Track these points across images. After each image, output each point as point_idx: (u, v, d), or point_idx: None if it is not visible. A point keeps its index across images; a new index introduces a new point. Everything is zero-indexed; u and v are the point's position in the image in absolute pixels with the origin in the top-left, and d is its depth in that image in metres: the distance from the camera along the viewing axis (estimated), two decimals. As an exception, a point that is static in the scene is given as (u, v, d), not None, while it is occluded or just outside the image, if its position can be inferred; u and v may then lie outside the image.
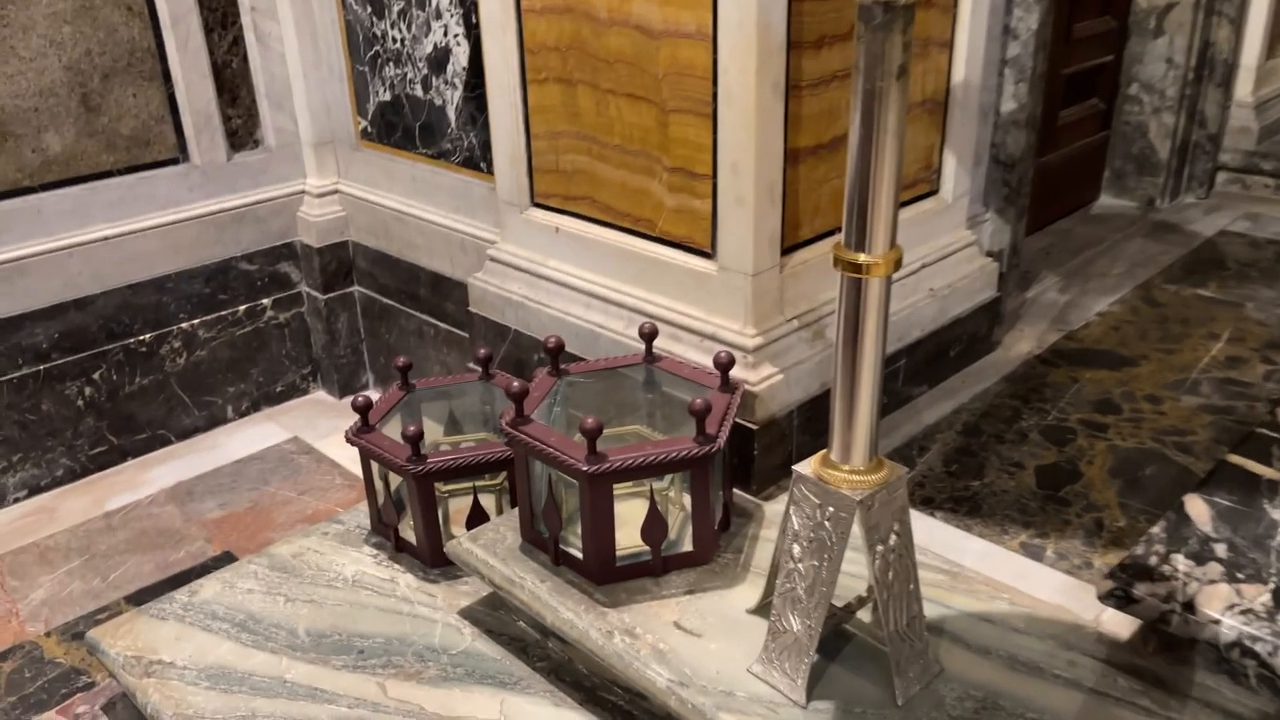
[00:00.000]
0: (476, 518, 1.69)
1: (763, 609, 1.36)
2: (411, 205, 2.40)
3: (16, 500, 2.31)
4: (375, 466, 1.72)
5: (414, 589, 1.67)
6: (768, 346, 1.64)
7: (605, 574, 1.44)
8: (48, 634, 1.87)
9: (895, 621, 1.23)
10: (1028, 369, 2.09)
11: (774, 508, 1.62)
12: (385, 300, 2.61)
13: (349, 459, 2.42)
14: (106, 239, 2.31)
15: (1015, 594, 1.42)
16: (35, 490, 2.34)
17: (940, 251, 1.98)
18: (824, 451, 1.21)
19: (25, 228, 2.19)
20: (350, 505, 2.04)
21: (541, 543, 1.51)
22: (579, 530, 1.47)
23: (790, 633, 1.24)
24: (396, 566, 1.72)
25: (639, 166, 1.71)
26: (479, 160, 2.16)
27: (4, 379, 2.22)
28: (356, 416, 1.71)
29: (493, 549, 1.54)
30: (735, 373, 1.58)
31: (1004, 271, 2.16)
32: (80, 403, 2.36)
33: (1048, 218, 2.94)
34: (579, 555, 1.46)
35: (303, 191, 2.62)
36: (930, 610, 1.36)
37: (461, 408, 1.95)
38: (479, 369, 1.88)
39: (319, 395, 2.81)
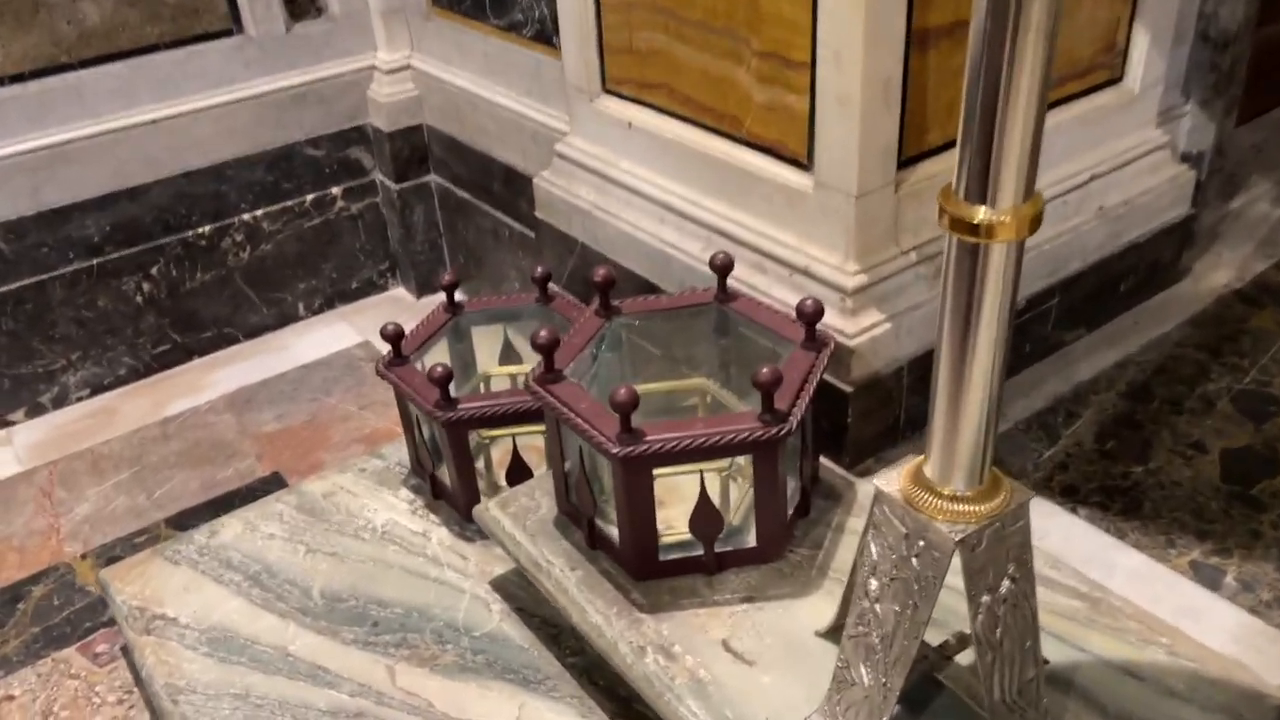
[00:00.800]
0: (517, 471, 1.47)
1: (836, 634, 1.09)
2: (483, 86, 2.13)
3: (79, 399, 2.25)
4: (410, 405, 1.51)
5: (445, 548, 1.48)
6: (874, 287, 1.32)
7: (646, 569, 1.20)
8: (83, 556, 1.79)
9: (1002, 689, 0.94)
10: (1222, 309, 1.67)
11: (866, 488, 1.33)
12: (461, 193, 2.37)
13: (417, 369, 2.24)
14: (155, 122, 2.14)
15: (1177, 638, 1.10)
16: (98, 390, 2.27)
17: (1118, 158, 1.57)
18: (918, 461, 0.91)
19: (66, 109, 2.04)
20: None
21: (576, 518, 1.28)
22: (611, 508, 1.23)
23: (859, 686, 0.97)
24: (432, 518, 1.54)
25: (723, 49, 1.38)
26: (551, 32, 1.85)
27: (55, 274, 2.12)
28: (389, 330, 1.49)
29: (522, 520, 1.32)
30: (828, 321, 1.28)
31: (1201, 180, 1.72)
32: (139, 299, 2.25)
33: (1264, 105, 2.39)
34: (617, 542, 1.22)
35: (372, 68, 2.38)
36: (1056, 652, 1.07)
37: (518, 332, 1.71)
38: (537, 290, 1.63)
39: (397, 293, 2.64)
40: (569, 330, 1.32)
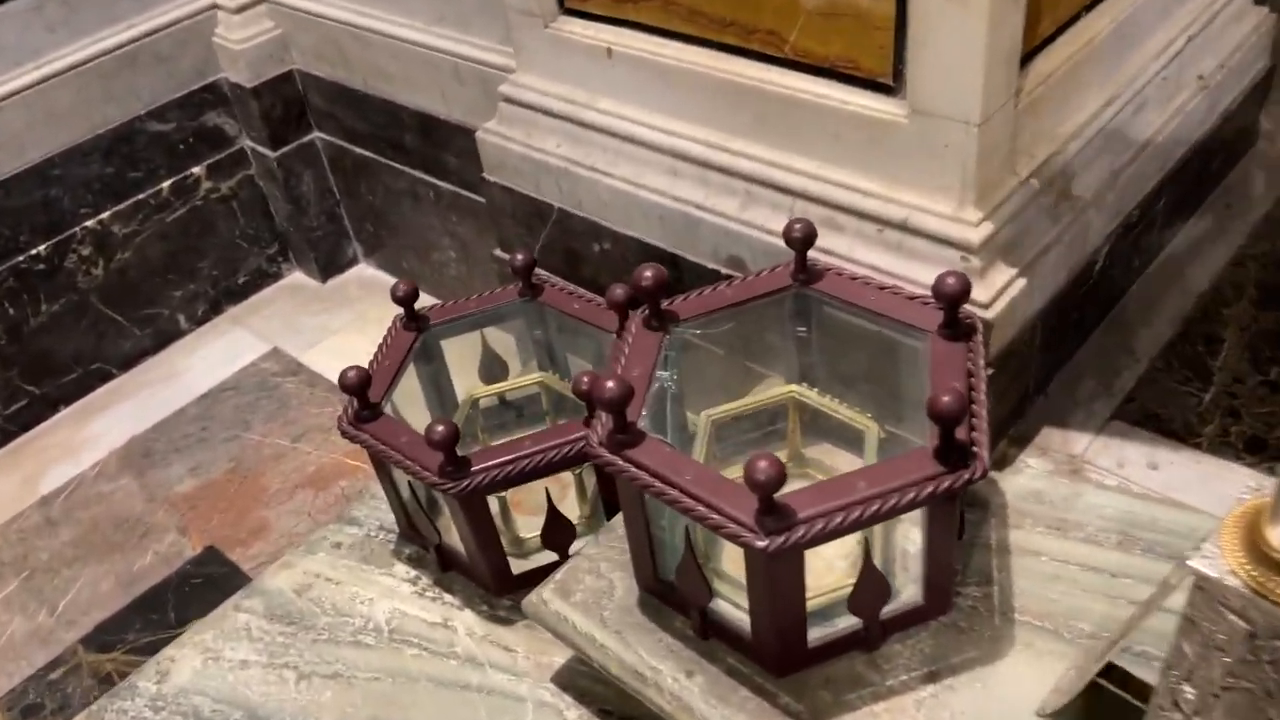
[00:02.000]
0: (555, 531, 1.17)
1: (1068, 710, 0.86)
2: (372, 15, 1.71)
3: (-76, 490, 1.82)
4: (396, 470, 1.18)
5: (479, 639, 1.18)
6: (999, 235, 1.04)
7: (791, 661, 0.93)
8: (-14, 714, 1.43)
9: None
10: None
11: (1015, 482, 1.09)
12: (359, 151, 1.96)
13: (349, 376, 1.88)
14: (-58, 123, 1.66)
15: None
16: (-54, 473, 1.84)
17: (1206, 10, 1.31)
18: (1252, 518, 0.66)
19: None
20: (363, 456, 1.51)
21: (672, 599, 0.99)
22: (730, 585, 0.96)
23: (1170, 817, 0.73)
24: (447, 599, 1.23)
25: (747, -63, 1.04)
26: (464, -61, 1.46)
27: None
28: (350, 378, 1.14)
29: (597, 610, 1.03)
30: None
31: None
32: (-27, 351, 1.80)
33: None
34: (742, 629, 0.95)
35: (214, 6, 1.91)
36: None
37: (500, 339, 1.38)
38: (517, 281, 1.30)
39: (296, 279, 2.23)
40: (616, 354, 1.01)
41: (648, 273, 0.98)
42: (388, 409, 1.21)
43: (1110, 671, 0.81)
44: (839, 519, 0.81)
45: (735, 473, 1.11)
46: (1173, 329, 1.24)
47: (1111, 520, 1.02)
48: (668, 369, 0.99)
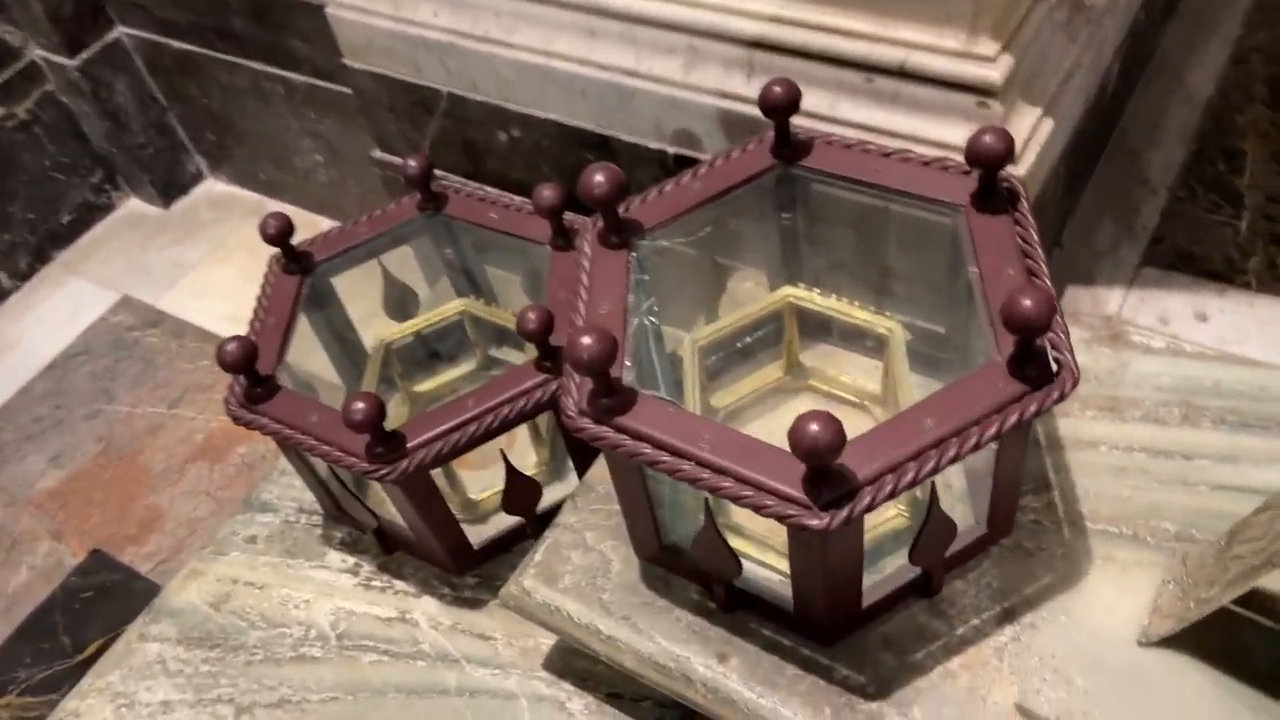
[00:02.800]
0: (517, 494, 0.99)
1: (1184, 638, 0.74)
2: None
3: None
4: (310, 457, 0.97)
5: (448, 630, 1.00)
6: (1020, 68, 0.85)
7: (843, 626, 0.79)
8: None
9: None
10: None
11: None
12: (179, 45, 1.64)
13: (220, 317, 1.62)
14: None
15: None
16: None
17: None
18: None
19: None
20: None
21: (682, 564, 0.83)
22: (756, 545, 0.80)
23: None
24: (399, 585, 1.05)
25: None
26: None
27: None
28: (231, 353, 0.91)
29: (593, 593, 0.86)
30: (957, 139, 0.82)
31: None
32: None
33: None
34: (777, 595, 0.79)
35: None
36: None
37: (404, 265, 1.15)
38: (413, 192, 1.07)
39: (133, 208, 1.92)
40: (573, 285, 0.80)
41: (599, 176, 0.77)
42: (285, 379, 0.99)
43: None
44: (910, 473, 0.64)
45: (725, 399, 0.94)
46: (1185, 148, 1.09)
47: (1169, 391, 0.89)
48: (641, 296, 0.80)
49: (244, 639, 1.03)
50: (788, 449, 0.61)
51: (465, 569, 1.04)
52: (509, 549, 1.04)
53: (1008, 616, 0.79)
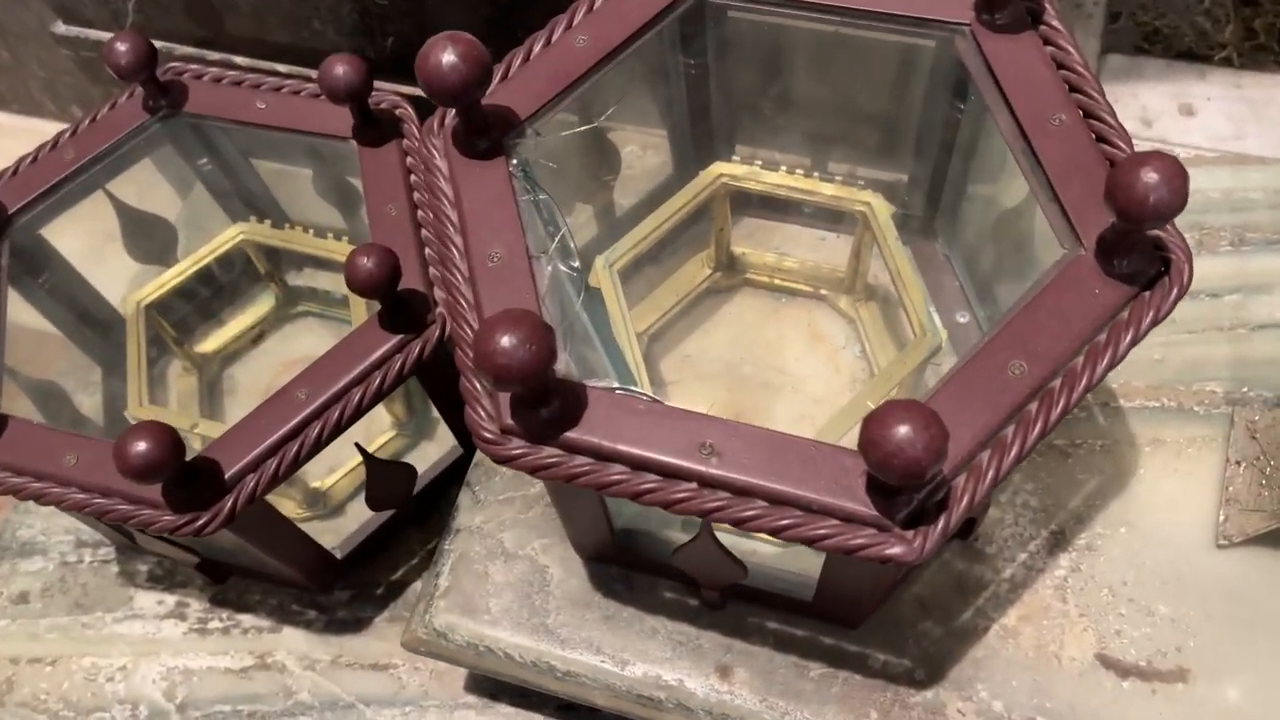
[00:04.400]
0: (384, 485, 0.75)
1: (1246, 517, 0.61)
2: None
3: None
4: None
5: (329, 669, 0.78)
6: None
7: (869, 599, 0.62)
8: None
9: None
10: None
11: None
12: None
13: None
14: None
15: None
16: None
17: None
18: None
19: None
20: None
21: (647, 560, 0.64)
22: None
23: None
24: (246, 621, 0.81)
25: None
26: None
27: None
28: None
29: (531, 616, 0.65)
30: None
31: None
32: None
33: None
34: (780, 577, 0.61)
35: None
36: None
37: (144, 191, 0.83)
38: (134, 87, 0.76)
39: None
40: (438, 222, 0.54)
41: (448, 56, 0.49)
42: (9, 403, 0.69)
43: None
44: (1015, 448, 0.45)
45: (645, 318, 0.71)
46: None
47: (1174, 212, 0.74)
48: (540, 222, 0.54)
49: (49, 741, 0.77)
50: (824, 441, 0.41)
51: (329, 584, 0.80)
52: (384, 546, 0.81)
53: (1059, 542, 0.64)
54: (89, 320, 0.83)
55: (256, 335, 0.90)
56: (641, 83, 0.64)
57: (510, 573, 0.66)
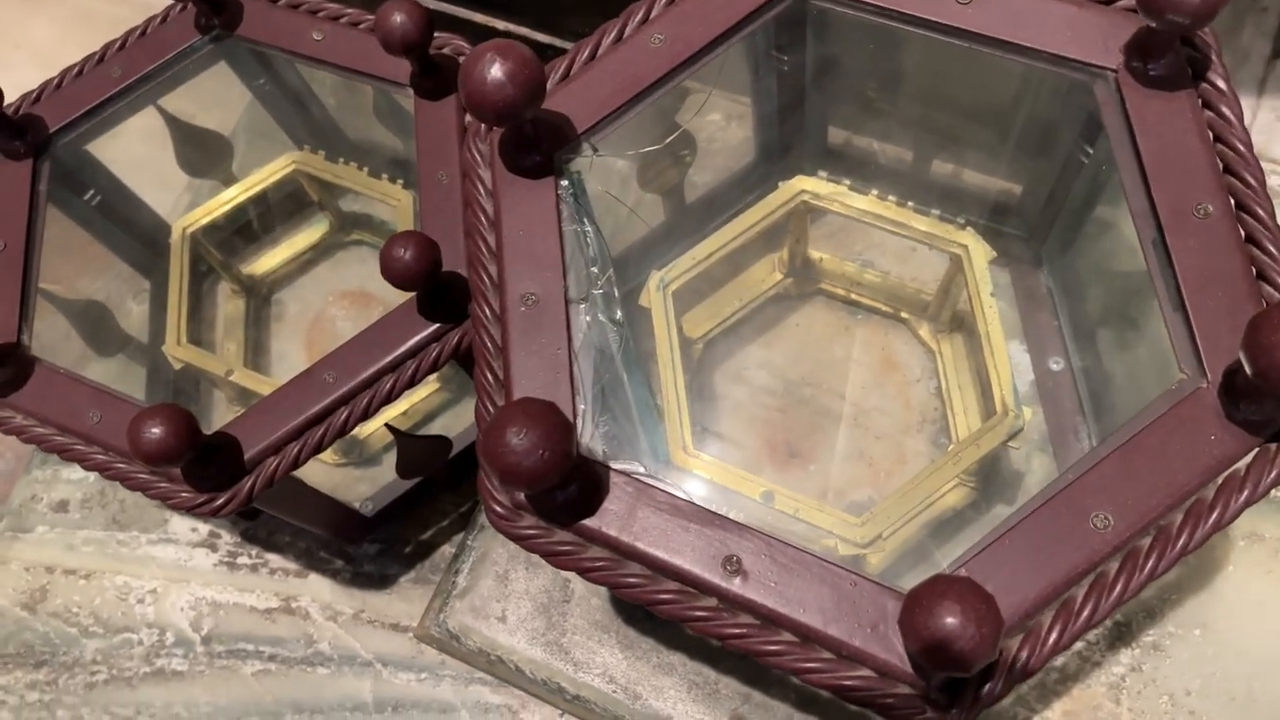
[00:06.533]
0: (416, 457, 0.72)
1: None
2: None
3: None
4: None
5: (350, 622, 0.78)
6: None
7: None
8: None
9: None
10: None
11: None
12: None
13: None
14: None
15: None
16: None
17: None
18: None
19: None
20: None
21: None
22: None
23: None
24: (275, 561, 0.81)
25: None
26: None
27: None
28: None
29: (547, 630, 0.63)
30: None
31: None
32: None
33: None
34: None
35: None
36: None
37: (196, 109, 0.78)
38: (184, 3, 0.70)
39: None
40: (476, 244, 0.49)
41: (492, 73, 0.43)
42: (46, 327, 0.67)
43: None
44: (1084, 614, 0.40)
45: (702, 323, 0.65)
46: None
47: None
48: (584, 255, 0.49)
49: (78, 652, 0.79)
50: (868, 571, 0.36)
51: (359, 536, 0.79)
52: (416, 502, 0.79)
53: (1122, 635, 0.59)
54: (137, 233, 0.81)
55: (307, 260, 0.87)
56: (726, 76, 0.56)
57: (532, 581, 0.63)
